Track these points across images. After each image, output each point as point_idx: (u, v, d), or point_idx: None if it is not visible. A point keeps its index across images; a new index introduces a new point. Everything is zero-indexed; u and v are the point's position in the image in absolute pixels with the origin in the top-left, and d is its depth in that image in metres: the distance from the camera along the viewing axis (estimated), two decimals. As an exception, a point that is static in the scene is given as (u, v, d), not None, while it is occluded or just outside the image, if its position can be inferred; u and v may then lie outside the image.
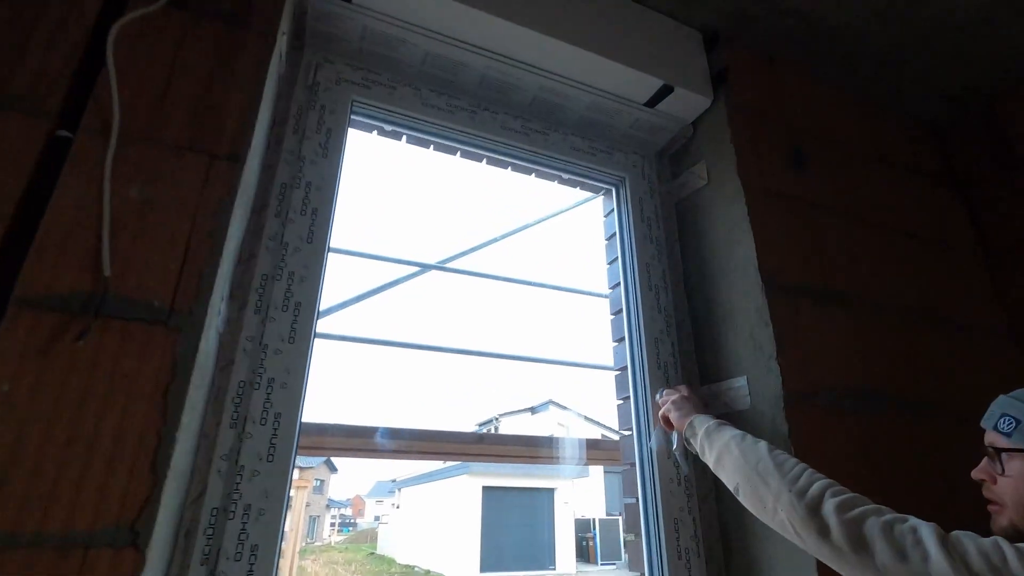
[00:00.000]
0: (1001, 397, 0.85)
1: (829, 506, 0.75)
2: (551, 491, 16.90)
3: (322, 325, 2.11)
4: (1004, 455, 0.79)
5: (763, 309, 1.11)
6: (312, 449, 1.38)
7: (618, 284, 1.43)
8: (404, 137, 1.42)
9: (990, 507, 0.83)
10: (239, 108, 0.81)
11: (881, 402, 1.15)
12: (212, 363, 0.80)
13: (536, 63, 1.21)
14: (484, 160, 1.55)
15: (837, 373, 1.12)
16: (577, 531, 17.19)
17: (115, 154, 0.67)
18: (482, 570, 14.63)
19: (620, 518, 18.72)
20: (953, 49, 1.47)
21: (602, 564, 16.99)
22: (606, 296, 2.92)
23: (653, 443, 1.18)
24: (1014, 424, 0.79)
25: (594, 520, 18.19)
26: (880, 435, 1.11)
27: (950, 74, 1.56)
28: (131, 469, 0.57)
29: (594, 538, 17.59)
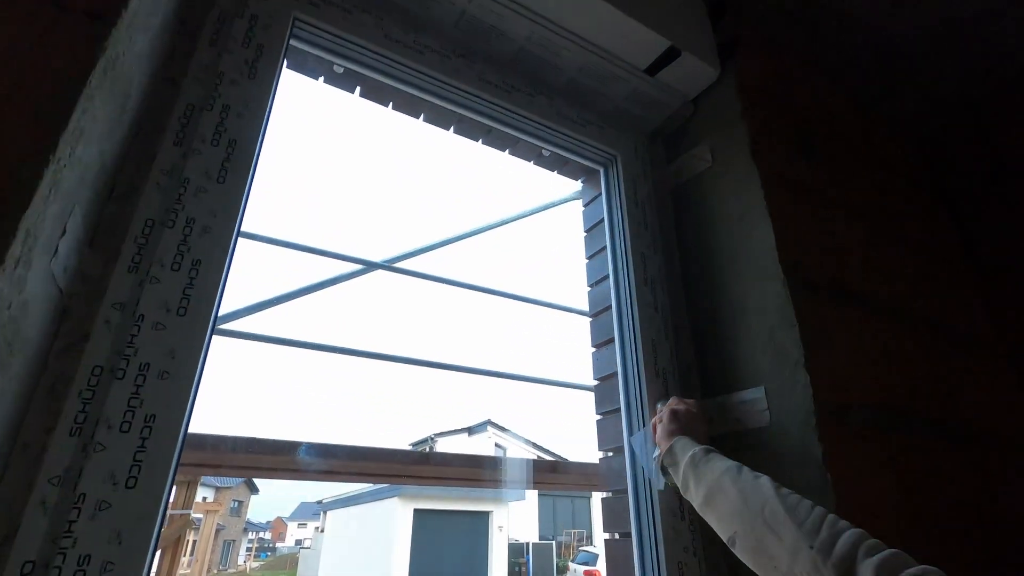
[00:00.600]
0: None
1: (866, 568, 0.54)
2: (486, 515, 16.46)
3: (240, 325, 1.75)
4: None
5: (786, 306, 0.93)
6: (229, 469, 1.11)
7: (604, 278, 1.23)
8: (358, 89, 1.17)
9: None
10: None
11: (913, 421, 0.99)
12: (37, 333, 0.52)
13: (527, 2, 1.01)
14: (452, 128, 1.32)
15: (871, 385, 0.95)
16: (510, 556, 16.79)
17: None
18: (410, 598, 13.91)
19: (553, 543, 18.48)
20: (951, 48, 1.39)
21: (534, 589, 16.63)
22: (567, 309, 2.69)
23: (644, 462, 0.97)
24: None
25: (528, 544, 17.86)
26: (915, 460, 0.94)
27: (945, 76, 1.48)
28: None
29: (527, 563, 17.24)
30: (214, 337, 0.68)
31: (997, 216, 1.51)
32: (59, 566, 0.50)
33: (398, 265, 2.90)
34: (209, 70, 0.78)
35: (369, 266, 2.83)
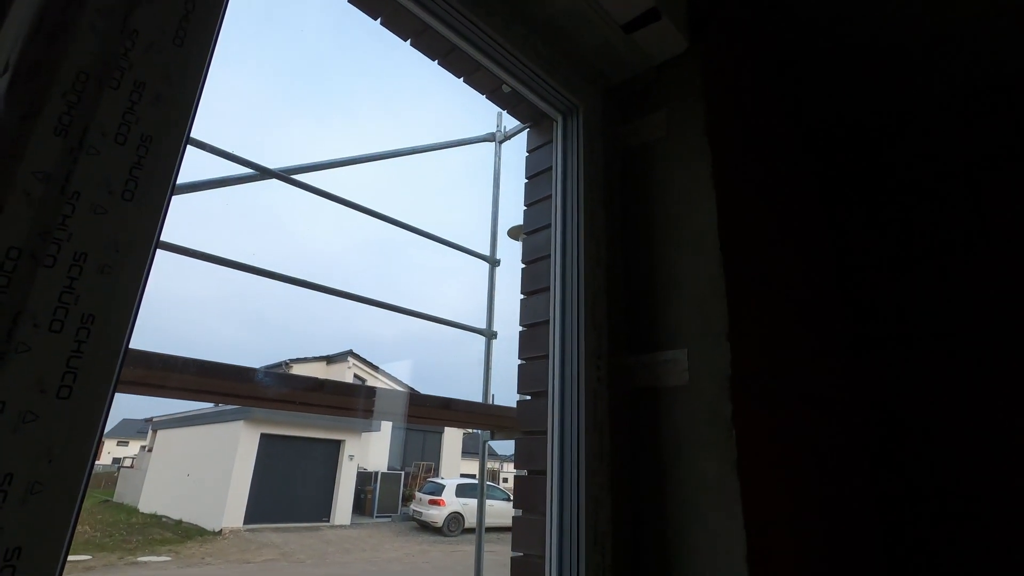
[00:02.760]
0: None
1: None
2: (338, 443, 16.35)
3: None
4: None
5: (719, 282, 1.02)
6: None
7: (547, 226, 1.23)
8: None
9: None
10: None
11: (793, 390, 1.16)
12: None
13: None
14: (410, 40, 1.21)
15: (772, 359, 1.09)
16: (358, 484, 17.01)
17: None
18: (247, 521, 13.55)
19: (402, 473, 19.05)
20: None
21: (377, 516, 17.11)
22: (471, 253, 2.67)
23: None
24: None
25: (377, 474, 18.18)
26: (794, 421, 1.11)
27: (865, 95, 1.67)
28: None
29: (373, 491, 17.60)
30: (157, 231, 0.57)
31: (866, 222, 1.77)
32: (-29, 485, 0.41)
33: (295, 177, 2.65)
34: None
35: (263, 172, 2.55)
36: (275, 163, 2.41)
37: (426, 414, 2.31)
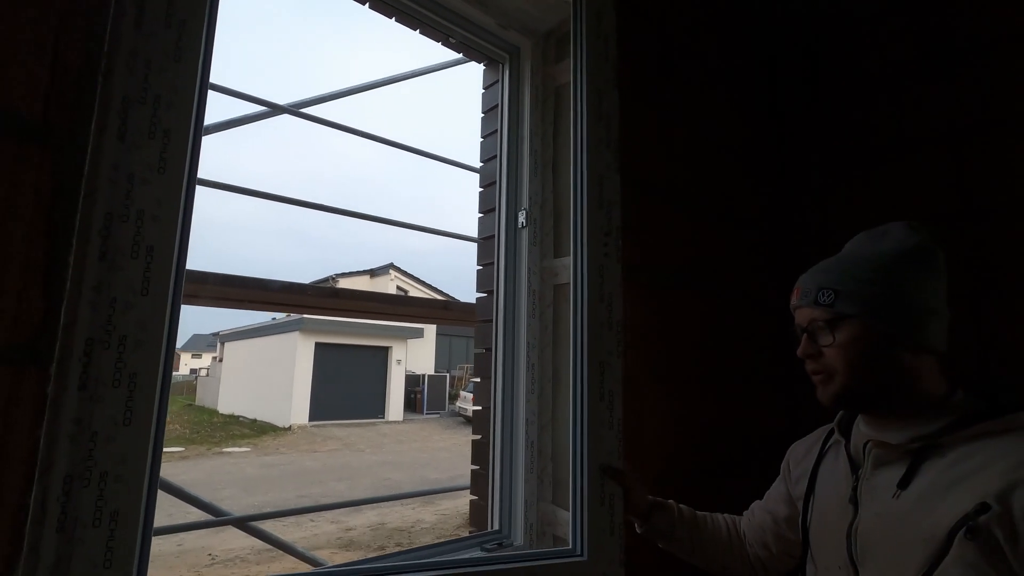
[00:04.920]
0: (804, 276, 0.90)
1: None
2: (386, 349, 17.60)
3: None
4: (833, 324, 0.82)
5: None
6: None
7: (493, 158, 1.51)
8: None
9: (817, 379, 0.87)
10: None
11: (678, 279, 1.46)
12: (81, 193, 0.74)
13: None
14: (368, 3, 1.44)
15: (659, 254, 1.38)
16: (407, 386, 18.46)
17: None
18: (311, 419, 15.17)
19: (447, 375, 20.46)
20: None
21: (427, 413, 18.69)
22: (462, 165, 2.95)
23: None
24: (832, 295, 0.82)
25: (424, 376, 19.60)
26: (673, 305, 1.43)
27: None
28: (21, 293, 0.55)
29: (422, 392, 19.10)
30: (185, 193, 0.90)
31: (807, 127, 1.93)
32: (108, 343, 0.78)
33: (304, 111, 2.93)
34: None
35: (275, 109, 2.84)
36: (281, 100, 2.67)
37: (433, 315, 2.69)
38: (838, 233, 0.99)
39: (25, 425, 0.54)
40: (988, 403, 0.78)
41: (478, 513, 1.44)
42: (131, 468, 0.79)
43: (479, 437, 1.48)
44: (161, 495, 1.02)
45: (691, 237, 1.55)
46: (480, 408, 1.48)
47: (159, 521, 0.94)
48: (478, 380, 1.52)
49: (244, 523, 2.29)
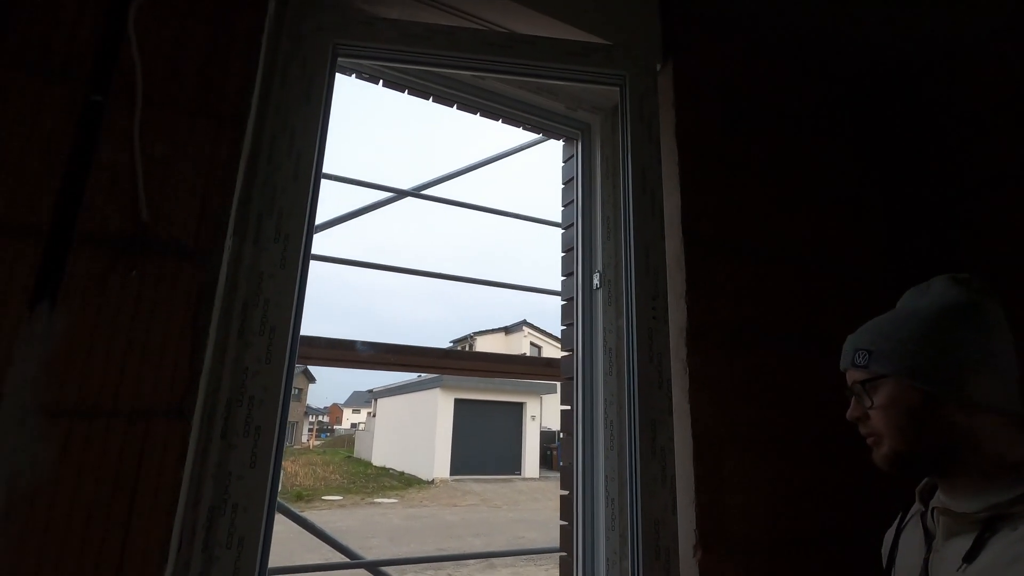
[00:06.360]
0: (848, 337, 0.90)
1: None
2: (520, 405, 17.91)
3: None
4: (868, 386, 0.81)
5: (679, 256, 1.34)
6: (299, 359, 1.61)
7: (571, 226, 1.64)
8: (380, 81, 1.55)
9: (869, 441, 0.84)
10: (238, 71, 0.95)
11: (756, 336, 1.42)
12: (223, 288, 1.00)
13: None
14: (456, 105, 1.69)
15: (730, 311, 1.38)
16: (542, 442, 18.47)
17: (140, 117, 0.82)
18: (452, 473, 15.77)
19: (583, 431, 20.06)
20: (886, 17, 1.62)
21: (564, 471, 18.37)
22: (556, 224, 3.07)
23: None
24: (867, 355, 0.82)
25: (559, 433, 19.44)
26: (757, 366, 1.39)
27: (880, 45, 1.71)
28: (174, 366, 0.78)
29: (557, 448, 18.91)
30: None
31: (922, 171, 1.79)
32: (240, 400, 1.01)
33: (424, 192, 3.33)
34: (281, 105, 1.19)
35: (400, 194, 3.26)
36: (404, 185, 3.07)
37: (548, 373, 2.78)
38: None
39: (170, 465, 0.75)
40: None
41: (566, 569, 1.47)
42: (254, 502, 1.00)
43: (566, 493, 1.53)
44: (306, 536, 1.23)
45: (803, 297, 1.51)
46: (565, 465, 1.54)
47: (306, 560, 1.14)
48: (564, 436, 1.59)
49: (375, 568, 2.51)
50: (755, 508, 1.27)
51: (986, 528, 0.70)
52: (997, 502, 0.71)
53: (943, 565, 0.74)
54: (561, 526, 1.54)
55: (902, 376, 0.77)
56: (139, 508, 0.75)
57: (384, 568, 2.59)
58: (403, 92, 1.61)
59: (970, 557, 0.69)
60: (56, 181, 0.76)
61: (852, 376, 0.85)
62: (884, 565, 0.93)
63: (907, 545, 0.85)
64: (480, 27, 1.39)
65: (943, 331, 0.77)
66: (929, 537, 0.79)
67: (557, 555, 1.52)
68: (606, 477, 1.38)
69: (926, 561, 0.77)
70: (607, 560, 1.33)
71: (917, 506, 0.86)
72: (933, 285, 0.82)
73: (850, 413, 0.85)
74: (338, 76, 1.37)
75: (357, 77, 1.53)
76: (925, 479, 0.88)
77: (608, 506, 1.37)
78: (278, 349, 1.07)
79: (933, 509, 0.78)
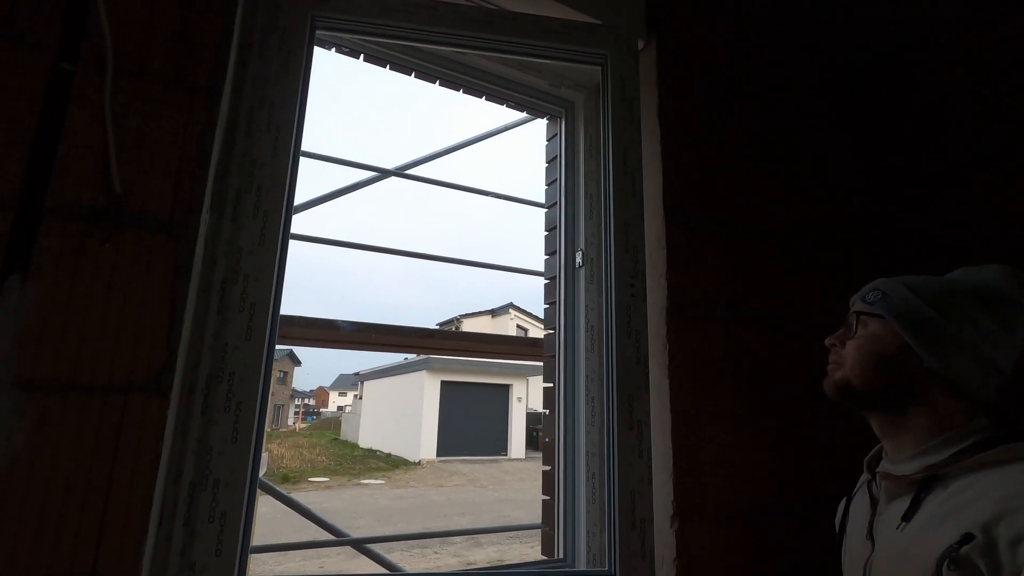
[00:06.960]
0: (878, 279, 0.89)
1: None
2: (506, 387, 18.03)
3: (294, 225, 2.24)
4: (861, 318, 0.84)
5: (662, 235, 1.35)
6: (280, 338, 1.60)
7: (554, 204, 1.64)
8: (361, 55, 1.52)
9: (830, 367, 0.88)
10: (213, 42, 0.93)
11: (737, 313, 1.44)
12: (201, 263, 0.99)
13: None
14: (438, 81, 1.67)
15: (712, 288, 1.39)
16: (528, 423, 18.65)
17: (112, 87, 0.80)
18: (439, 454, 15.90)
19: (569, 412, 20.30)
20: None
21: (549, 451, 18.60)
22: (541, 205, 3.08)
23: None
24: (880, 295, 0.84)
25: (544, 414, 19.62)
26: (744, 340, 1.41)
27: (867, 26, 1.72)
28: (152, 341, 0.78)
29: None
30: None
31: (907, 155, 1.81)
32: (221, 376, 1.01)
33: (408, 172, 3.29)
34: (259, 77, 1.16)
35: (383, 173, 3.23)
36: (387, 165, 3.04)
37: (535, 353, 2.79)
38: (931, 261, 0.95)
39: (149, 440, 0.75)
40: (1006, 432, 0.72)
41: (547, 543, 1.50)
42: (236, 477, 1.00)
43: (548, 468, 1.55)
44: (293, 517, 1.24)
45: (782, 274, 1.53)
46: (548, 440, 1.56)
47: (290, 538, 1.15)
48: (547, 412, 1.61)
49: (360, 545, 2.53)
50: (731, 480, 1.30)
51: (921, 489, 0.74)
52: (931, 463, 0.74)
53: (885, 526, 0.78)
54: (543, 501, 1.57)
55: (896, 320, 0.80)
56: (118, 483, 0.75)
57: (370, 546, 2.62)
58: (384, 67, 1.59)
59: (908, 516, 0.73)
60: (24, 151, 0.74)
61: (855, 308, 0.87)
62: (837, 530, 0.97)
63: (856, 510, 0.89)
64: (464, 2, 1.37)
65: (963, 304, 0.78)
66: (874, 502, 0.83)
67: (540, 531, 1.55)
68: (587, 452, 1.41)
69: (871, 523, 0.81)
70: (587, 532, 1.36)
71: (865, 475, 0.90)
72: (986, 267, 0.84)
73: (829, 338, 0.88)
74: (320, 52, 1.34)
75: (337, 51, 1.50)
76: (873, 451, 0.91)
77: (589, 480, 1.39)
78: (258, 326, 1.07)
79: (877, 475, 0.82)
